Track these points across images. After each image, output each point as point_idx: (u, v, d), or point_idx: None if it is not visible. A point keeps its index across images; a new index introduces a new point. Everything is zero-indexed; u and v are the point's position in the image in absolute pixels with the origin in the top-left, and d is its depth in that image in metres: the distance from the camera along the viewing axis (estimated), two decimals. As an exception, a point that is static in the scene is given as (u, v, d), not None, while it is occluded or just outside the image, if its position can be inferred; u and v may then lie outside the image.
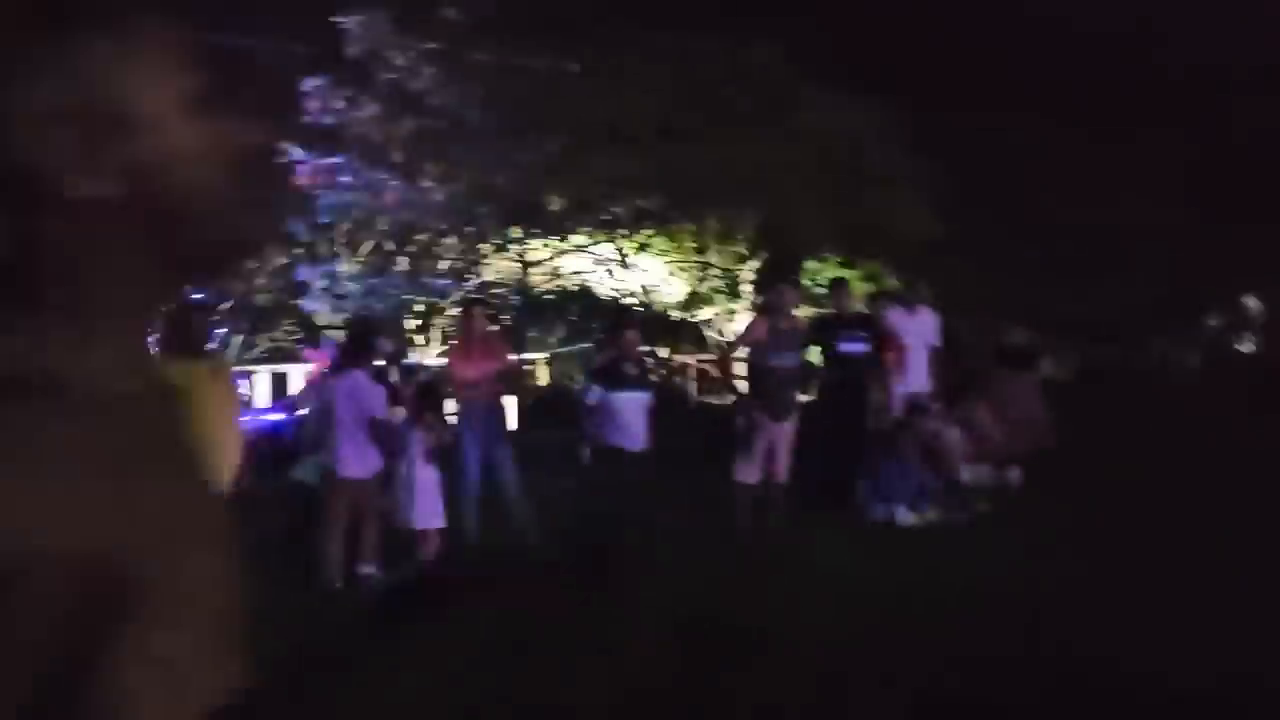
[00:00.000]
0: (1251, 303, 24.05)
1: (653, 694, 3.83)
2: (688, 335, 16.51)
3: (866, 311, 7.80)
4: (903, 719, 3.58)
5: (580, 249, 14.91)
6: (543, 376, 16.00)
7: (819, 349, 7.41)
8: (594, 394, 5.66)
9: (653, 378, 14.62)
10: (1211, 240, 19.36)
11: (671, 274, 15.95)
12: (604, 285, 15.49)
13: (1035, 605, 4.82)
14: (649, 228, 14.63)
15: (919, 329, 8.11)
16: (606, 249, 15.01)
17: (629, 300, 15.28)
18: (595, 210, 14.02)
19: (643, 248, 15.13)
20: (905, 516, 6.69)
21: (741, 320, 14.34)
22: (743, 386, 6.55)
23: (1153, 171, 18.88)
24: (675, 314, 15.73)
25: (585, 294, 15.39)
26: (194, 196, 0.79)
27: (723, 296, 16.19)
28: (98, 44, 0.73)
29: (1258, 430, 9.17)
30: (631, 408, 5.71)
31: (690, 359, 16.59)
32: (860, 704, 3.70)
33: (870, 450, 7.26)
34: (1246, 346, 23.18)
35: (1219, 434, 9.28)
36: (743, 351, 6.50)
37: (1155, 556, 5.69)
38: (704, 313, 16.45)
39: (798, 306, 6.88)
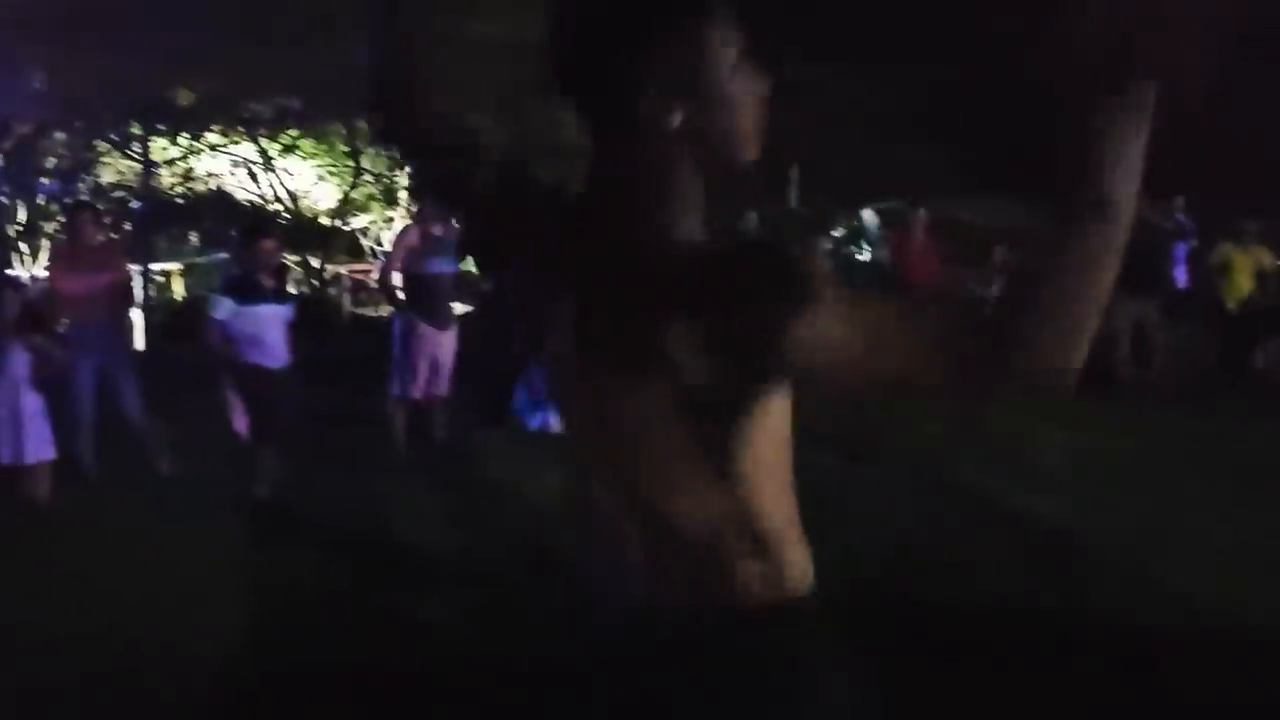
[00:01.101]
0: (868, 214, 26.64)
1: (315, 619, 3.64)
2: (341, 244, 15.72)
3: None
4: (584, 618, 3.61)
5: (215, 149, 13.63)
6: (177, 289, 14.64)
7: (475, 258, 7.25)
8: (224, 308, 5.16)
9: (301, 289, 13.86)
10: (847, 159, 21.30)
11: (321, 179, 15.04)
12: (244, 189, 14.31)
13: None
14: (294, 128, 13.63)
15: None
16: (246, 150, 13.85)
17: (273, 206, 14.24)
18: (231, 107, 12.83)
19: (288, 150, 14.10)
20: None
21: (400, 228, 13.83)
22: (401, 297, 6.26)
23: (811, 94, 20.28)
24: (327, 221, 14.89)
25: (222, 198, 14.15)
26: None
27: (379, 204, 15.54)
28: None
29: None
30: (268, 322, 5.26)
31: (344, 269, 15.83)
32: (521, 617, 3.69)
33: (527, 358, 7.26)
34: (865, 256, 25.71)
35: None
36: (399, 260, 6.18)
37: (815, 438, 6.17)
38: (359, 220, 15.73)
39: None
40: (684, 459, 1.16)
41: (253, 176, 14.17)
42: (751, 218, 10.12)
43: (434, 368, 6.17)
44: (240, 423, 5.28)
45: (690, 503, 1.17)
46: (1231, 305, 8.38)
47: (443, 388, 6.26)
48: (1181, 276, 8.80)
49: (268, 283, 5.33)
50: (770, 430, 1.19)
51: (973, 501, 5.01)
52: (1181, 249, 8.84)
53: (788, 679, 1.23)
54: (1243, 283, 8.36)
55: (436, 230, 6.09)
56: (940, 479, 5.31)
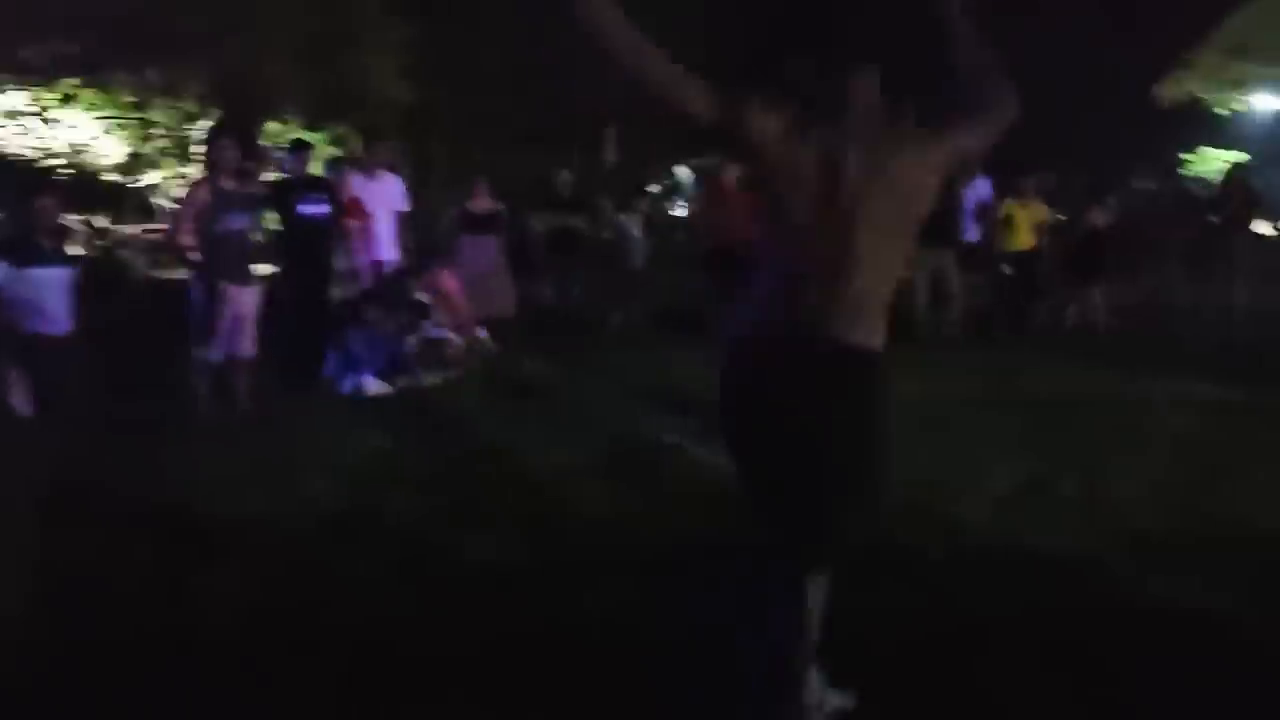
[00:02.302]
0: (683, 171, 27.11)
1: (111, 596, 3.46)
2: (131, 203, 14.69)
3: (323, 176, 7.42)
4: (398, 584, 3.55)
5: (-19, 99, 12.49)
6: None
7: (277, 214, 6.93)
8: (-2, 272, 4.76)
9: (85, 251, 12.90)
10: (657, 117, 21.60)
11: (106, 132, 13.98)
12: (17, 143, 13.15)
13: (519, 458, 5.05)
14: (73, 77, 12.60)
15: (383, 194, 7.92)
16: (18, 100, 12.72)
17: (51, 162, 13.14)
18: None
19: (68, 100, 13.02)
20: (375, 386, 6.61)
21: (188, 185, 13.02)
22: (195, 257, 5.89)
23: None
24: (113, 179, 13.86)
25: (-9, 154, 12.96)
26: None
27: (172, 160, 14.60)
28: None
29: (687, 283, 10.38)
30: (48, 286, 4.88)
31: (135, 229, 14.81)
32: (327, 583, 3.60)
33: (337, 320, 7.03)
34: (679, 210, 26.19)
35: (660, 289, 10.34)
36: (188, 219, 5.80)
37: (627, 394, 6.27)
38: (149, 177, 14.74)
39: (248, 165, 6.28)
40: (889, 257, 2.24)
41: (26, 129, 13.01)
42: (567, 175, 10.05)
43: (236, 327, 5.86)
44: (18, 395, 4.90)
45: (878, 282, 2.21)
46: (1012, 257, 8.99)
47: (247, 347, 5.95)
48: (971, 228, 9.30)
49: (47, 244, 4.95)
50: None
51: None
52: (971, 201, 9.34)
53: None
54: (1024, 237, 8.96)
55: (227, 184, 5.76)
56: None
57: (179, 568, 3.66)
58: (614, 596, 3.35)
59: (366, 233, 7.66)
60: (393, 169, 8.34)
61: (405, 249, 8.03)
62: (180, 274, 6.83)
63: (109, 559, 3.76)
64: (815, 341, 2.17)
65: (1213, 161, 21.05)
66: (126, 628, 3.24)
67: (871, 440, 2.27)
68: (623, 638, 3.07)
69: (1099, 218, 9.52)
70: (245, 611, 3.36)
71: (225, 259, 5.76)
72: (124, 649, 3.07)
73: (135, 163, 13.91)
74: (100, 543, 3.91)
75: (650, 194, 23.65)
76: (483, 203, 8.83)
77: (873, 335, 2.22)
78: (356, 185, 7.77)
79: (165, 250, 11.07)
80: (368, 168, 7.99)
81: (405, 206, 8.09)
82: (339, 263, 7.53)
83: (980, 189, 9.31)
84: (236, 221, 5.78)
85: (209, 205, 5.70)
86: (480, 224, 8.79)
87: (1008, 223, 8.94)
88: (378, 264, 7.79)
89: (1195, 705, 2.74)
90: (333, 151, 14.01)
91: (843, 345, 2.18)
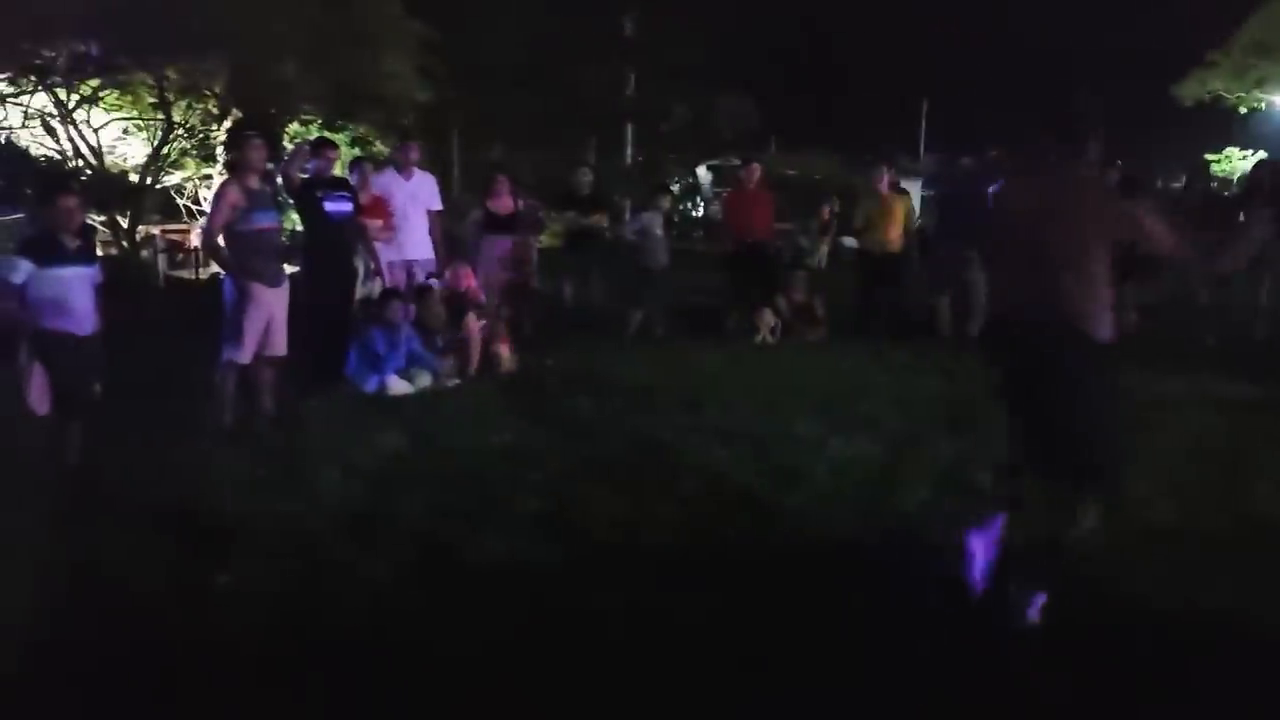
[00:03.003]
0: (701, 171, 27.10)
1: (138, 592, 3.46)
2: (153, 203, 14.76)
3: (343, 176, 7.41)
4: (416, 584, 3.56)
5: (4, 100, 12.56)
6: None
7: (300, 212, 6.93)
8: (21, 271, 4.75)
9: (110, 251, 12.97)
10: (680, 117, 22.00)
11: (128, 132, 14.05)
12: (40, 144, 13.23)
13: (536, 457, 5.06)
14: (93, 77, 12.66)
15: (414, 193, 7.91)
16: (40, 101, 12.80)
17: (74, 163, 13.21)
18: (20, 54, 11.80)
19: (88, 101, 13.09)
20: (399, 385, 6.61)
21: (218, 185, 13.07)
22: (228, 257, 5.84)
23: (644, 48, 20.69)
24: (136, 179, 13.93)
25: (14, 154, 13.00)
26: None
27: (194, 160, 14.66)
28: None
29: (705, 283, 10.36)
30: (73, 286, 4.88)
31: (158, 229, 14.89)
32: (347, 586, 3.60)
33: (360, 318, 7.04)
34: (699, 211, 26.19)
35: (679, 289, 10.30)
36: (222, 219, 5.75)
37: (645, 394, 6.32)
38: (173, 178, 14.82)
39: (271, 163, 6.28)
40: (1080, 266, 3.14)
41: (49, 130, 13.10)
42: (587, 173, 10.03)
43: (269, 328, 5.82)
44: (37, 395, 4.89)
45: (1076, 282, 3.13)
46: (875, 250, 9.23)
47: (280, 347, 5.90)
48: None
49: (71, 243, 4.95)
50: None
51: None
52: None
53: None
54: (890, 231, 9.10)
55: (254, 184, 5.74)
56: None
57: (198, 566, 3.67)
58: (628, 596, 3.35)
59: (391, 231, 7.65)
60: (424, 167, 8.35)
61: (437, 247, 8.01)
62: (202, 274, 6.83)
63: (129, 557, 3.77)
64: (1030, 319, 3.23)
65: (1236, 161, 20.86)
66: (145, 625, 3.25)
67: (1074, 388, 3.16)
68: (635, 638, 3.07)
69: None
70: (264, 610, 3.36)
71: (254, 259, 5.72)
72: (142, 647, 3.08)
73: (157, 163, 13.96)
74: (120, 541, 3.91)
75: (671, 193, 23.77)
76: (504, 202, 8.79)
77: (1079, 320, 3.12)
78: (389, 184, 7.77)
79: (204, 253, 11.11)
80: (402, 166, 8.00)
81: (438, 205, 8.09)
82: (366, 260, 7.54)
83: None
84: (264, 220, 5.75)
85: (240, 205, 5.64)
86: (502, 225, 8.75)
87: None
88: (409, 263, 7.79)
89: (1213, 703, 2.72)
90: (354, 152, 14.08)
91: (1051, 322, 3.15)
